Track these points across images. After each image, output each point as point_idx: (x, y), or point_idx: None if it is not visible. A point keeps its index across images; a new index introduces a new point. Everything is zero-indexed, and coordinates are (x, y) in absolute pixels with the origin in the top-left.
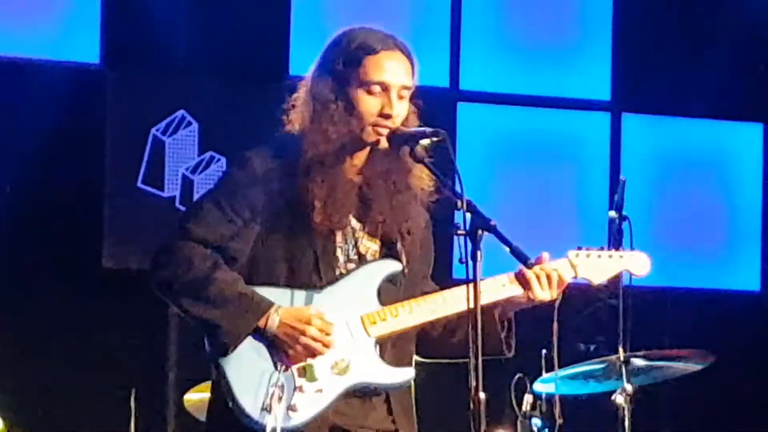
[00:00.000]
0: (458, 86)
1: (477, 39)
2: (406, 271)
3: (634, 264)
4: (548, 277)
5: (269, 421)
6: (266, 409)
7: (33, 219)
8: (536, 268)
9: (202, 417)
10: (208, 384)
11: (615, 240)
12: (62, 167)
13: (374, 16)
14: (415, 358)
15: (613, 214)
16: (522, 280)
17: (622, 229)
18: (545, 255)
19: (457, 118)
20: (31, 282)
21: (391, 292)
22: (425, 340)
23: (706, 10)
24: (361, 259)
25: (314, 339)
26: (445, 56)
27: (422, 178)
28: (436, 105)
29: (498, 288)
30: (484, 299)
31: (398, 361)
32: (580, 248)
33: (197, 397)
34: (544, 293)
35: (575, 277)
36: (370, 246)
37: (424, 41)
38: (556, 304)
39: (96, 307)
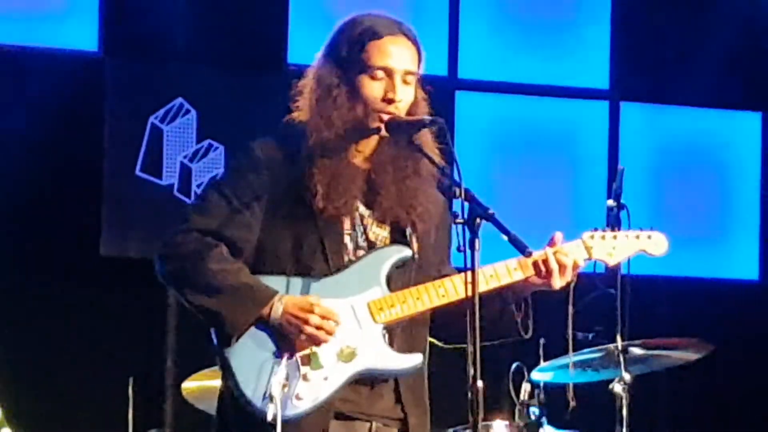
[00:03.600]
0: (456, 75)
1: (475, 27)
2: (416, 257)
3: (651, 244)
4: (562, 265)
5: (270, 409)
6: (268, 397)
7: (31, 207)
8: (549, 253)
9: (200, 405)
10: (206, 372)
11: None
12: (60, 155)
13: (372, 3)
14: (437, 343)
15: (611, 202)
16: (537, 269)
17: (620, 217)
18: (558, 235)
19: (455, 107)
20: (29, 270)
21: (401, 278)
22: (446, 324)
23: None
24: (371, 246)
25: (317, 327)
26: (443, 44)
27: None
28: (434, 93)
29: (507, 273)
30: (494, 283)
31: (410, 347)
32: (595, 229)
33: (195, 385)
34: (557, 280)
35: (589, 259)
36: (380, 233)
37: (422, 29)
38: (571, 287)
39: (94, 296)
